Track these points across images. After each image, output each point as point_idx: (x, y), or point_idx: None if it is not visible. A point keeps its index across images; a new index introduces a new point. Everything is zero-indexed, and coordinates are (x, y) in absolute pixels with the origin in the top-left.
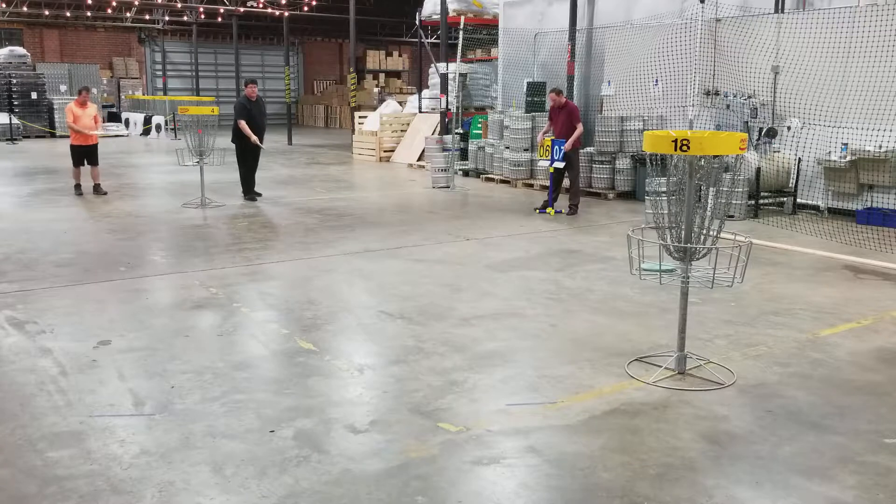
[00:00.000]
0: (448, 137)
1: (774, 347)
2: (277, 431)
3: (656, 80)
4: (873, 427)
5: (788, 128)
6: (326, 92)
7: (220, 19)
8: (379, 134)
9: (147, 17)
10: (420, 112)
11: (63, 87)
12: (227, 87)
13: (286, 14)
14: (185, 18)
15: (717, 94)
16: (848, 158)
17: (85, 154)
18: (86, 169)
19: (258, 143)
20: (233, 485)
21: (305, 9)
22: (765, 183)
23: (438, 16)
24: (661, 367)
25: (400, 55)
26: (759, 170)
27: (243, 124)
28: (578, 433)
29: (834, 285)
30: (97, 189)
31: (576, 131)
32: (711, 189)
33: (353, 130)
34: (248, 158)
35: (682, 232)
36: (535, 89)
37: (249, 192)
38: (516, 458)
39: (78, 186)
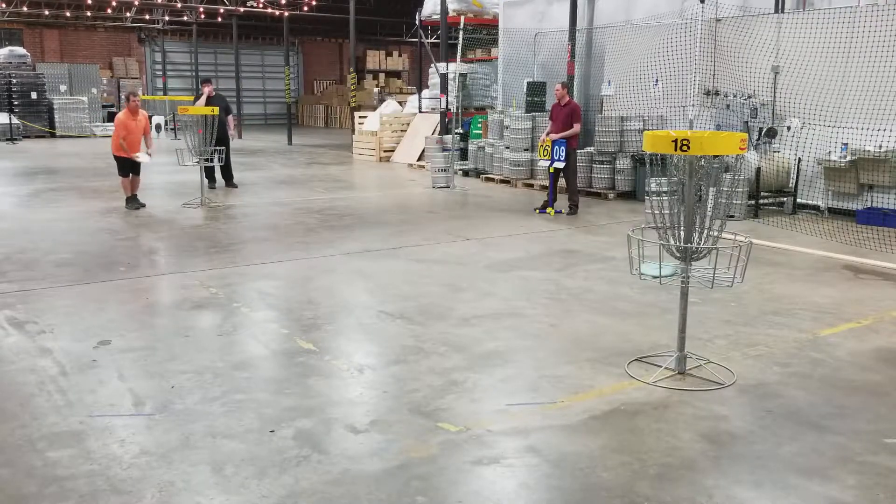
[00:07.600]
0: (448, 137)
1: (774, 347)
2: (277, 431)
3: (656, 80)
4: (873, 427)
5: (788, 128)
6: (326, 92)
7: (220, 19)
8: (379, 134)
9: (147, 17)
10: (420, 112)
11: (63, 87)
12: (226, 87)
13: (286, 14)
14: (185, 18)
15: (717, 94)
16: (848, 158)
17: (130, 164)
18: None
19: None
20: (233, 485)
21: (305, 9)
22: (765, 183)
23: (438, 16)
24: (661, 367)
25: (400, 55)
26: (759, 170)
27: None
28: (578, 433)
29: (834, 285)
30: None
31: (572, 129)
32: (711, 189)
33: (353, 130)
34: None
35: (683, 232)
36: (535, 89)
37: (211, 181)
38: (516, 458)
39: (133, 198)
